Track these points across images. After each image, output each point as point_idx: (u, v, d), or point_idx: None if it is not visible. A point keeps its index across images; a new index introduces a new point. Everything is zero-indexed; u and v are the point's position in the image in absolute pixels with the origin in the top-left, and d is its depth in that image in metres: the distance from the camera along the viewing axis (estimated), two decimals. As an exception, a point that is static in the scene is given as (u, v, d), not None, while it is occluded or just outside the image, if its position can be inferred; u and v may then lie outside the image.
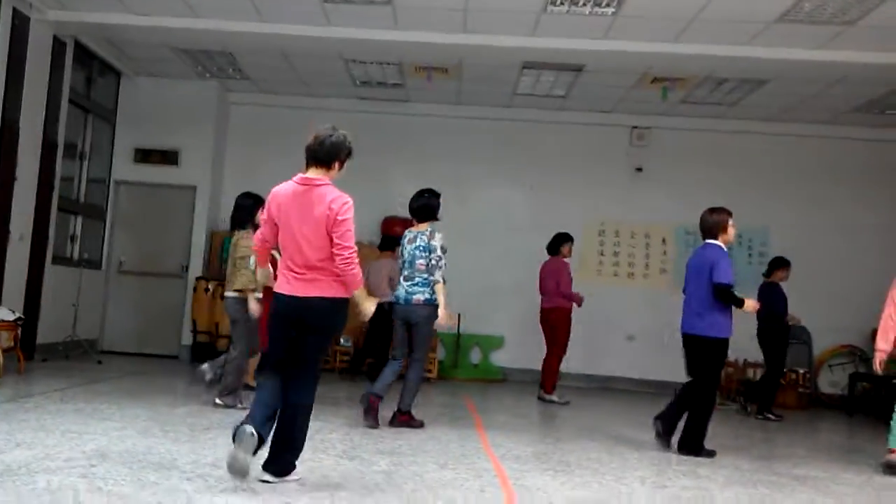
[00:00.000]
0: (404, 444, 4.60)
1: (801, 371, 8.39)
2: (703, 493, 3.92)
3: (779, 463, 4.89)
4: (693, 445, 4.86)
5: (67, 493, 2.95)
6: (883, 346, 4.95)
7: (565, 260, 7.43)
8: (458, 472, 3.94)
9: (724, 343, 4.88)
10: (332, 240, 3.39)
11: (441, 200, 5.30)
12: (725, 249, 4.95)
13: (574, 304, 7.35)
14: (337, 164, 3.52)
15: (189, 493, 3.10)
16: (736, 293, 4.88)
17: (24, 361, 6.55)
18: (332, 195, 3.46)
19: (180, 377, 7.66)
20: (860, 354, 8.68)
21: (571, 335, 7.41)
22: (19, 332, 6.56)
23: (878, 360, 4.98)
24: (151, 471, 3.43)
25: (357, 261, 3.41)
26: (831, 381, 8.68)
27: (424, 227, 5.24)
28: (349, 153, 3.54)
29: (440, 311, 5.11)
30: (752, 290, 6.63)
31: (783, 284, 7.37)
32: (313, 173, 3.52)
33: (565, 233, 7.55)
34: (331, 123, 3.62)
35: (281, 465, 3.38)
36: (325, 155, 3.50)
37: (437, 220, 5.27)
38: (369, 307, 3.55)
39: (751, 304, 4.92)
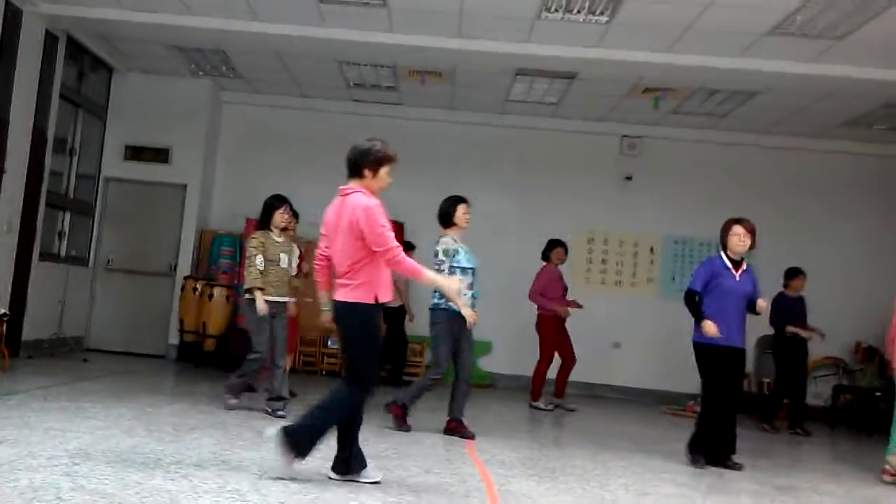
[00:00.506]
0: (389, 448, 4.60)
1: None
2: (686, 500, 3.95)
3: (761, 472, 4.92)
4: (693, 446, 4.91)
5: (49, 492, 2.93)
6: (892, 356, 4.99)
7: (553, 266, 7.45)
8: (442, 476, 3.94)
9: (699, 348, 4.87)
10: (369, 247, 3.51)
11: (461, 206, 5.30)
12: (723, 259, 4.96)
13: (561, 311, 7.34)
14: (367, 172, 3.58)
15: (172, 494, 3.09)
16: (701, 310, 4.83)
17: (8, 358, 6.48)
18: (355, 202, 3.54)
19: (166, 376, 7.63)
20: (844, 366, 8.77)
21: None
22: (4, 328, 6.50)
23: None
24: (135, 470, 3.41)
25: (402, 256, 3.51)
26: (815, 393, 8.75)
27: (444, 233, 5.33)
28: (379, 159, 3.59)
29: (463, 312, 5.08)
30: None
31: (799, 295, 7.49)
32: (350, 183, 3.66)
33: (556, 239, 7.57)
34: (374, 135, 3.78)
35: (290, 439, 3.42)
36: (351, 164, 3.65)
37: (454, 225, 5.31)
38: (449, 283, 3.80)
39: (705, 326, 4.76)
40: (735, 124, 8.97)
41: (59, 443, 3.81)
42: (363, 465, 3.62)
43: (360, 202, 3.52)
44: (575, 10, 6.35)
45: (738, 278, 4.92)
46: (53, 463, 3.40)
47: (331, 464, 3.64)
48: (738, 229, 4.90)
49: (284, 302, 5.43)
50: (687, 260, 9.27)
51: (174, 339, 8.79)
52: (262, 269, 5.32)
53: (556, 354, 7.42)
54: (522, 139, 9.45)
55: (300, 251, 6.27)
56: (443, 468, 4.15)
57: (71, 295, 8.17)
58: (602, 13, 6.35)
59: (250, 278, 5.32)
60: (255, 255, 5.33)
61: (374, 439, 4.80)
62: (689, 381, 8.78)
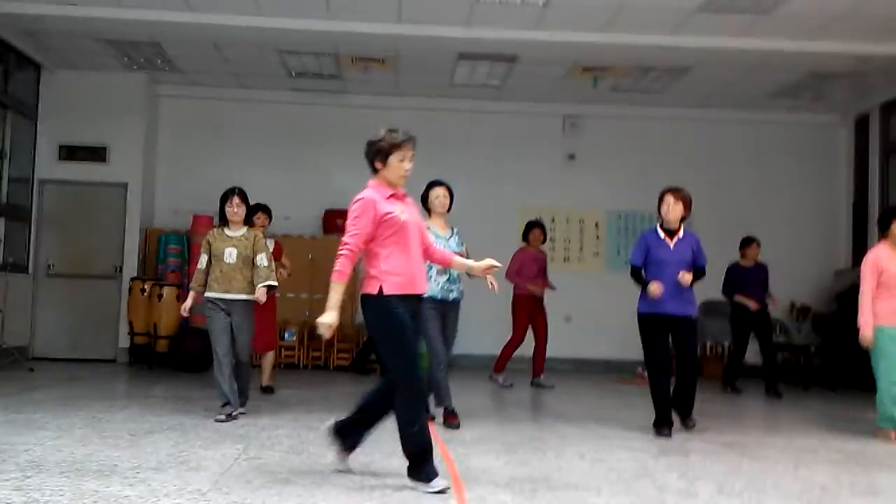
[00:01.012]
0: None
1: (727, 343, 8.91)
2: (638, 463, 4.13)
3: (708, 432, 5.16)
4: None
5: (4, 507, 2.89)
6: (864, 320, 4.98)
7: (531, 247, 7.60)
8: (404, 459, 4.01)
9: (640, 318, 4.97)
10: (370, 239, 3.43)
11: (432, 191, 5.13)
12: (656, 230, 5.01)
13: (535, 291, 7.48)
14: (378, 164, 3.48)
15: (131, 499, 3.08)
16: (643, 274, 4.97)
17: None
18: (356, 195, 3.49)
19: (118, 381, 7.48)
20: (780, 326, 9.22)
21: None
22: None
23: (866, 336, 4.97)
24: (90, 478, 3.37)
25: (340, 255, 3.36)
26: (755, 352, 9.15)
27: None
28: (381, 149, 3.45)
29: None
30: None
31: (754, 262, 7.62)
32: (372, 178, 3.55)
33: (532, 220, 7.75)
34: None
35: (414, 467, 3.40)
36: (367, 161, 3.53)
37: (430, 210, 5.14)
38: (324, 318, 3.32)
39: (650, 287, 4.87)
40: (671, 100, 9.22)
41: (9, 457, 3.73)
42: (352, 448, 3.61)
43: (357, 195, 3.48)
44: (511, -7, 6.43)
45: (672, 248, 4.95)
46: (4, 478, 3.33)
47: (336, 422, 3.59)
48: (667, 198, 4.95)
49: (236, 299, 5.10)
50: (630, 233, 9.56)
51: (124, 342, 8.61)
52: (204, 267, 5.15)
53: (531, 334, 7.60)
54: (468, 122, 9.50)
55: (273, 245, 6.16)
56: (404, 452, 4.21)
57: (11, 303, 7.90)
58: (538, -5, 6.44)
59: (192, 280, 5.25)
60: (201, 255, 5.20)
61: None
62: (638, 348, 9.10)
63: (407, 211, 3.51)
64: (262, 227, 6.19)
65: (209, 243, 5.21)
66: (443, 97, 9.39)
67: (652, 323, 4.92)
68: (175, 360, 7.86)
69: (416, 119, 9.50)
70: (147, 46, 8.01)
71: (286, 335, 8.65)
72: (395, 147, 3.46)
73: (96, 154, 8.79)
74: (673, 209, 4.93)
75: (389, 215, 3.42)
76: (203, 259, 5.18)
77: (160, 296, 8.13)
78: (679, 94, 9.00)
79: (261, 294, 5.12)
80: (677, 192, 4.97)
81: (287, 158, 9.40)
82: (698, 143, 9.60)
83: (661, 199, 5.01)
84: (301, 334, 8.70)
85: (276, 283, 5.27)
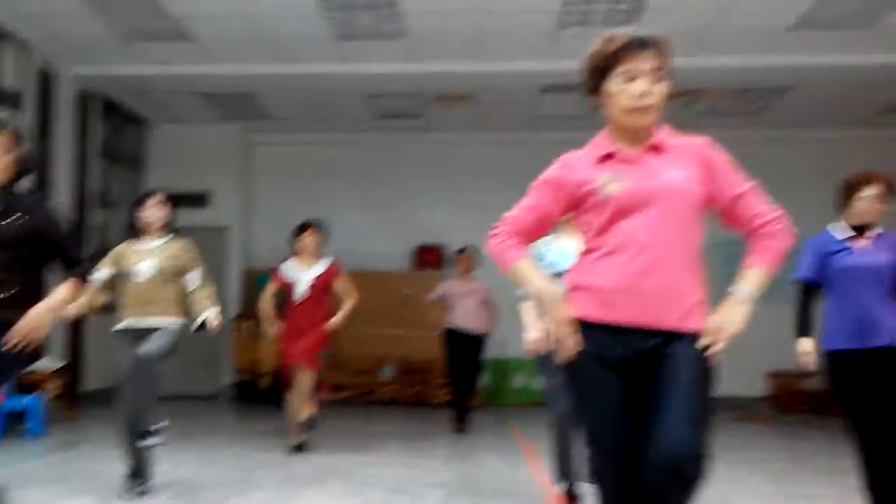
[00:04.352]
0: (452, 475, 4.56)
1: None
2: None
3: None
4: None
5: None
6: None
7: None
8: (509, 500, 3.89)
9: (828, 357, 3.32)
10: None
11: None
12: (831, 231, 3.53)
13: None
14: (593, 100, 2.14)
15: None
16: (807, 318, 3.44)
17: (74, 409, 6.67)
18: None
19: (224, 417, 7.71)
20: None
21: None
22: (64, 379, 6.68)
23: None
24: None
25: (495, 231, 2.22)
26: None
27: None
28: (588, 74, 2.07)
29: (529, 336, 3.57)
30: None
31: None
32: None
33: None
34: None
35: None
36: None
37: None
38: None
39: (800, 347, 3.41)
40: (770, 121, 8.81)
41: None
42: None
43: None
44: (593, 23, 6.37)
45: (866, 250, 3.40)
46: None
47: None
48: (870, 189, 3.40)
49: (153, 328, 3.94)
50: (737, 262, 9.06)
51: (228, 378, 8.93)
52: (101, 286, 4.00)
53: None
54: (555, 153, 9.33)
55: (328, 266, 5.27)
56: (508, 492, 4.06)
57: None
58: (622, 22, 6.34)
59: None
60: (99, 268, 3.96)
61: (435, 468, 4.76)
62: (757, 383, 8.56)
63: (637, 177, 1.99)
64: (315, 246, 5.33)
65: (116, 256, 4.04)
66: (530, 130, 9.36)
67: (851, 364, 3.25)
68: (277, 396, 8.05)
69: (503, 152, 9.56)
70: (241, 98, 8.45)
71: (385, 371, 8.76)
72: (609, 62, 1.97)
73: (198, 201, 9.28)
74: (877, 205, 3.39)
75: (587, 187, 2.01)
76: (105, 273, 3.99)
77: (260, 334, 8.39)
78: (778, 114, 8.59)
79: (212, 320, 4.01)
80: (884, 176, 3.46)
81: (377, 196, 9.62)
82: (799, 164, 9.08)
83: (854, 188, 3.47)
84: (398, 370, 8.77)
85: (215, 319, 4.07)
